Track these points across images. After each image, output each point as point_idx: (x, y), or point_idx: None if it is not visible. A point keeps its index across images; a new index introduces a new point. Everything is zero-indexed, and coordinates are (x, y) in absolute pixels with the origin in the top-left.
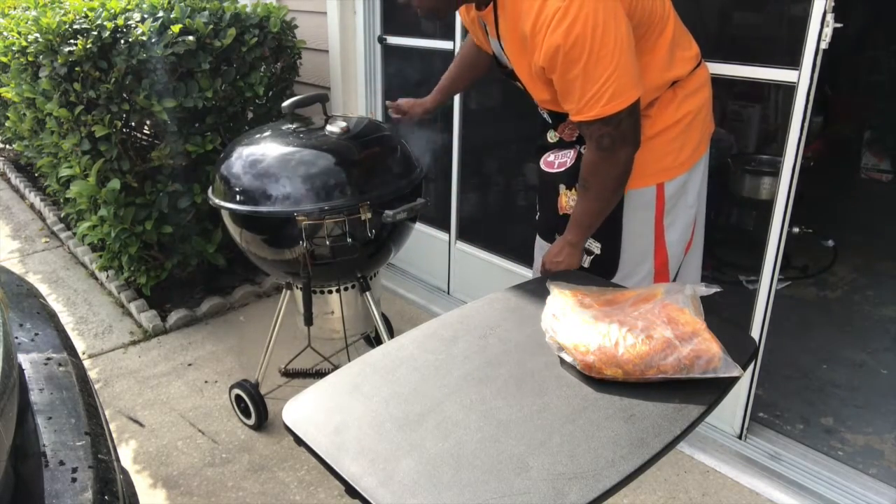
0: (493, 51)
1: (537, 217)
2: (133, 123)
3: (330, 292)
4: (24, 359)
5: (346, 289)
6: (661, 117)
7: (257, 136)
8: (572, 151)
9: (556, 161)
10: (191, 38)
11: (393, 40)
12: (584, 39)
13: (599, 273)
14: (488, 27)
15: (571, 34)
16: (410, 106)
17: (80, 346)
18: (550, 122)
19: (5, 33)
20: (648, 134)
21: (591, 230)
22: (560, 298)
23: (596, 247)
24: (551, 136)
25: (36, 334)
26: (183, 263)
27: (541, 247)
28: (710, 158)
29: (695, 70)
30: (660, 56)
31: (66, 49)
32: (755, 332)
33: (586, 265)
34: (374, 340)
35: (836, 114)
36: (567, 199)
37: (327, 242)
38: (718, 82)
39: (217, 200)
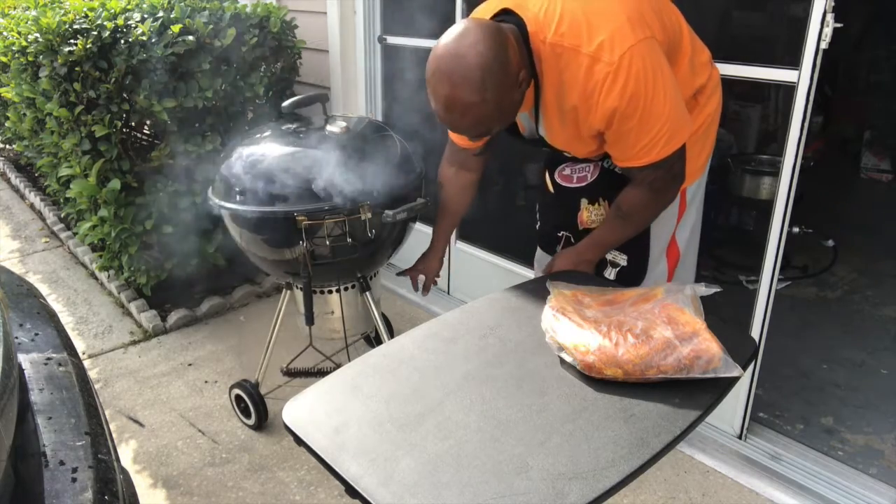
0: (525, 126)
1: (538, 227)
2: (133, 123)
3: (330, 292)
4: (24, 359)
5: (346, 289)
6: None
7: (257, 136)
8: (591, 166)
9: (574, 175)
10: (191, 38)
11: (393, 40)
12: (639, 96)
13: (625, 285)
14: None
15: (626, 93)
16: (427, 275)
17: (80, 346)
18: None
19: (5, 33)
20: None
21: (609, 250)
22: (560, 298)
23: (622, 259)
24: None
25: (36, 334)
26: (183, 263)
27: (541, 258)
28: (710, 158)
29: (710, 74)
30: (684, 69)
31: (66, 49)
32: (755, 332)
33: (612, 277)
34: (374, 340)
35: (836, 114)
36: (589, 214)
37: (327, 242)
38: None
39: (217, 200)
